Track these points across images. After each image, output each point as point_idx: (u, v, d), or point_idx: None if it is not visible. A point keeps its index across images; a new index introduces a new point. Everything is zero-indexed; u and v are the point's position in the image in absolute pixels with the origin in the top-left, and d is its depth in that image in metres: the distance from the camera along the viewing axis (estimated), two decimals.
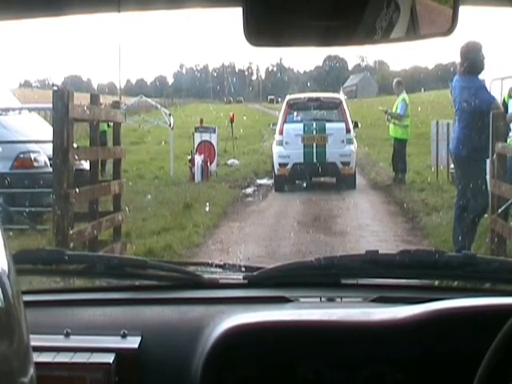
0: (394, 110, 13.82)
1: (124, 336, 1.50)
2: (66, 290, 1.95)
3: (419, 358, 1.39)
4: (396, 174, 13.81)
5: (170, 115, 17.20)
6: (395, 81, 14.47)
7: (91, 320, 1.61)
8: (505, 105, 8.39)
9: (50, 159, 8.19)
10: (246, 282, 1.79)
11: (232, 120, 19.45)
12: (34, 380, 0.68)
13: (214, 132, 16.14)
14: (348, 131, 14.30)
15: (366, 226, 9.57)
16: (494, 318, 1.21)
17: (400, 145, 13.79)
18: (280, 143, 14.32)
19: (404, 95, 13.89)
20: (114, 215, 7.31)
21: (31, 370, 0.68)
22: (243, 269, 1.84)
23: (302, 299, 1.68)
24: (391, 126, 13.99)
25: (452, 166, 8.49)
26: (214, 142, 16.01)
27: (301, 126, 14.36)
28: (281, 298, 1.68)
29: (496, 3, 1.53)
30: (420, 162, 15.74)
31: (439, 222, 8.86)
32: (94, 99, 7.28)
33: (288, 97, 15.77)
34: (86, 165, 7.77)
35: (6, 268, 0.66)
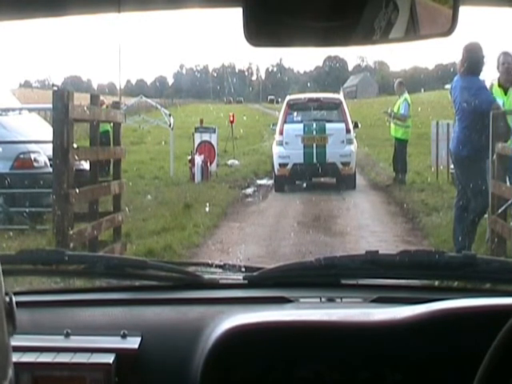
0: (396, 111, 13.79)
1: (124, 336, 1.50)
2: (66, 291, 1.95)
3: (419, 358, 1.38)
4: (396, 175, 13.80)
5: (170, 115, 17.20)
6: (397, 81, 14.45)
7: (91, 320, 1.61)
8: None
9: (50, 159, 8.19)
10: (246, 282, 1.79)
11: (232, 121, 19.46)
12: (13, 381, 0.67)
13: (214, 132, 16.14)
14: (348, 131, 14.30)
15: (366, 226, 9.57)
16: (494, 318, 1.21)
17: (401, 145, 13.78)
18: (280, 143, 14.33)
19: (406, 95, 13.89)
20: (114, 215, 7.31)
21: (10, 373, 0.68)
22: (243, 269, 1.84)
23: (301, 299, 1.68)
24: (392, 126, 13.98)
25: (452, 166, 8.49)
26: (214, 143, 16.01)
27: (301, 126, 14.37)
28: (281, 298, 1.68)
29: (496, 3, 1.53)
30: (420, 162, 15.75)
31: (439, 223, 8.86)
32: (94, 99, 7.28)
33: (288, 97, 15.77)
34: (85, 165, 7.77)
35: None
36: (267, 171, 16.18)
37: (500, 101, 6.91)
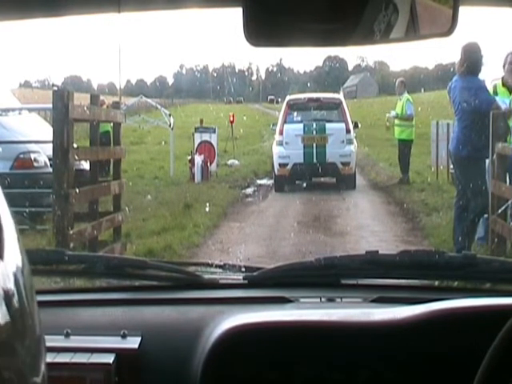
0: (399, 112, 13.76)
1: (124, 336, 1.50)
2: (66, 291, 1.95)
3: (419, 358, 1.38)
4: (403, 175, 13.75)
5: (170, 115, 17.21)
6: (398, 80, 14.38)
7: (91, 320, 1.61)
8: None
9: (50, 159, 8.19)
10: (246, 282, 1.79)
11: (232, 122, 19.46)
12: (46, 380, 0.67)
13: (214, 132, 16.15)
14: (348, 131, 14.31)
15: (366, 226, 9.57)
16: (494, 318, 1.21)
17: (405, 146, 13.73)
18: (280, 143, 14.33)
19: (407, 95, 13.87)
20: (114, 215, 7.31)
21: (42, 367, 0.68)
22: (243, 269, 1.84)
23: (302, 299, 1.68)
24: (396, 128, 13.93)
25: (452, 166, 8.48)
26: (214, 143, 16.01)
27: (301, 126, 14.37)
28: (281, 298, 1.68)
29: (496, 3, 1.53)
30: (420, 162, 15.74)
31: (439, 223, 8.86)
32: (94, 99, 7.28)
33: (288, 97, 15.78)
34: (85, 165, 7.77)
35: (19, 263, 0.65)
36: (267, 171, 16.18)
37: (507, 100, 6.88)
